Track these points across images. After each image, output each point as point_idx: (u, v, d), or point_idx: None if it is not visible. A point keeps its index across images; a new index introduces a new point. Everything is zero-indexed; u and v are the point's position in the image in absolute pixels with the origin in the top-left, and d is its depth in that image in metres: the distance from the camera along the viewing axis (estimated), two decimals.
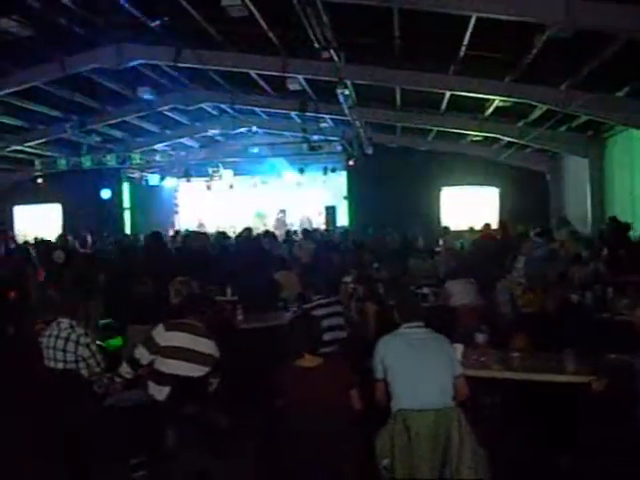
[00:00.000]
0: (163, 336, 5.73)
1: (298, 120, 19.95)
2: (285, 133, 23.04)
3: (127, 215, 27.00)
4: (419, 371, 4.89)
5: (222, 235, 13.70)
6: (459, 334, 6.54)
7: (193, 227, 23.25)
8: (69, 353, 6.13)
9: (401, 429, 4.72)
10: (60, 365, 6.14)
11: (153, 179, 24.57)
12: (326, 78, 13.86)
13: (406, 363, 4.95)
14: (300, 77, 14.89)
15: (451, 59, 12.79)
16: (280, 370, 4.96)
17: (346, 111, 15.40)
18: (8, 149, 21.19)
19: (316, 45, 10.89)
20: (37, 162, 21.70)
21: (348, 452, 4.69)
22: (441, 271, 11.77)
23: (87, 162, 20.73)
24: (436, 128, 19.99)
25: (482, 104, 16.15)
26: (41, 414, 6.07)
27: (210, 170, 23.70)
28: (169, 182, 25.58)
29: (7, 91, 15.38)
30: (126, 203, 27.05)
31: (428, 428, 4.68)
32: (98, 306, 7.17)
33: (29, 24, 11.21)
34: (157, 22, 12.41)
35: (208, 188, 25.84)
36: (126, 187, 26.89)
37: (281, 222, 24.68)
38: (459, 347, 5.63)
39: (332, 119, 20.24)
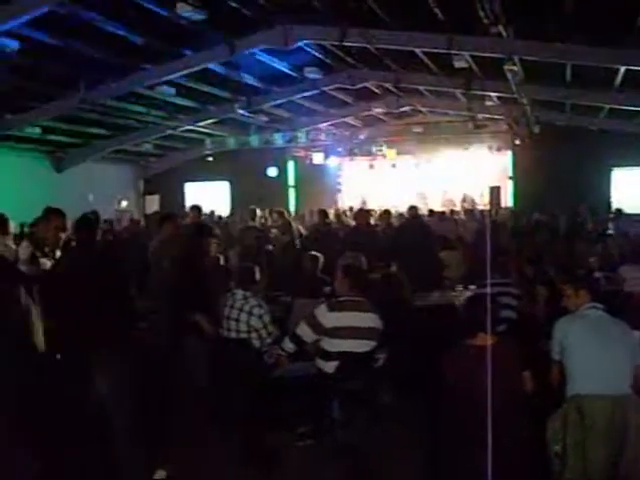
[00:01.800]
0: (327, 317, 5.79)
1: (463, 98, 19.59)
2: (449, 112, 22.75)
3: (292, 193, 27.56)
4: (598, 355, 4.71)
5: (387, 213, 13.71)
6: (634, 321, 6.26)
7: (356, 205, 23.40)
8: (242, 323, 6.36)
9: (575, 415, 4.57)
10: (233, 334, 6.38)
11: (317, 158, 24.91)
12: (493, 55, 13.56)
13: (586, 345, 4.78)
14: (466, 54, 14.60)
15: (627, 31, 12.13)
16: (452, 348, 4.91)
17: (513, 88, 15.01)
18: (181, 129, 22.11)
19: (484, 21, 10.66)
20: (207, 141, 22.57)
21: (518, 435, 4.59)
22: (614, 255, 11.27)
23: (255, 141, 21.37)
24: (608, 106, 19.07)
25: None
26: (213, 383, 6.35)
27: (373, 149, 23.77)
28: (333, 161, 25.87)
29: (180, 74, 16.02)
30: (291, 181, 27.62)
31: (604, 415, 4.51)
32: (264, 279, 7.36)
33: (203, 8, 11.58)
34: (323, 2, 12.52)
35: (371, 167, 26.08)
36: (291, 165, 27.45)
37: (448, 201, 24.42)
38: (636, 334, 5.38)
39: (498, 97, 19.74)
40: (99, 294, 4.75)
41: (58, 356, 4.55)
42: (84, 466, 4.79)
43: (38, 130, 19.52)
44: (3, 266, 4.34)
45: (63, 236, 5.68)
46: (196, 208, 11.44)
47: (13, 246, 7.71)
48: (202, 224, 10.02)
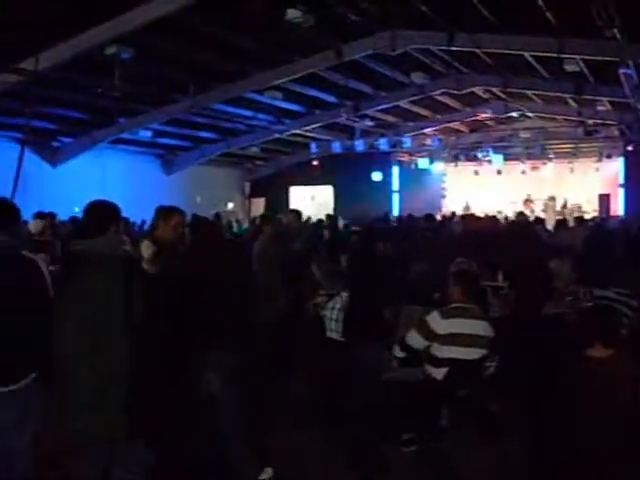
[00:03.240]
0: (440, 324, 5.73)
1: (572, 103, 19.15)
2: (557, 117, 22.27)
3: (395, 197, 27.55)
4: None
5: (494, 219, 13.50)
6: None
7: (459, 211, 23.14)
8: (342, 324, 6.40)
9: None
10: (335, 335, 6.44)
11: (422, 163, 24.82)
12: (607, 58, 13.19)
13: None
14: (578, 58, 14.26)
15: None
16: (568, 359, 4.80)
17: (627, 93, 14.58)
18: (287, 133, 22.40)
19: (598, 23, 10.40)
20: (313, 145, 22.77)
21: (634, 452, 4.44)
22: None
23: (360, 146, 21.44)
24: None
25: None
26: (317, 382, 6.41)
27: (479, 155, 23.51)
28: (438, 166, 25.71)
29: (288, 78, 16.24)
30: (395, 186, 27.62)
31: None
32: None
33: (311, 14, 11.72)
34: (431, 7, 12.48)
35: (476, 173, 25.76)
36: (396, 170, 27.48)
37: (550, 208, 23.85)
38: None
39: (610, 102, 19.20)
40: (214, 294, 4.84)
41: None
42: (195, 463, 4.91)
43: (149, 133, 20.13)
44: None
45: (182, 234, 5.75)
46: (294, 212, 11.59)
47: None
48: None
